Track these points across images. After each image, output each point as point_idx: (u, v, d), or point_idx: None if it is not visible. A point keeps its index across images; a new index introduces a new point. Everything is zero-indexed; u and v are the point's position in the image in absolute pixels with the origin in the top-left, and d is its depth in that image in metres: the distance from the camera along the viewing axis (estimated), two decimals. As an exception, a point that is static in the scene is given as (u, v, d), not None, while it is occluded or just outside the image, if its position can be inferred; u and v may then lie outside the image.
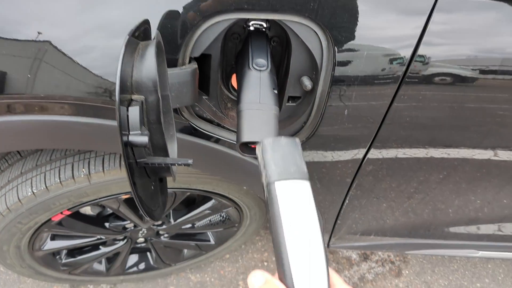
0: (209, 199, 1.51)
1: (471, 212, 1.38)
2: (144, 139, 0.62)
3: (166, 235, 1.70)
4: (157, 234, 1.68)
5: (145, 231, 1.61)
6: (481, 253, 1.64)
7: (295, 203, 0.54)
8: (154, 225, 1.57)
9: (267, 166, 0.58)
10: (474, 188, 1.25)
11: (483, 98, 0.94)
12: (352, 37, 0.82)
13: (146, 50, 0.66)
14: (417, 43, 0.84)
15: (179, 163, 0.67)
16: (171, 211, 1.58)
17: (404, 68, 0.86)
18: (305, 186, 0.56)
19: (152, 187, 0.74)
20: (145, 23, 0.71)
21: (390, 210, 1.34)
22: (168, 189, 1.28)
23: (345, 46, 0.83)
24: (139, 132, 0.63)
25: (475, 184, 1.23)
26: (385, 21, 0.82)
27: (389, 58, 0.86)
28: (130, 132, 0.63)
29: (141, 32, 0.69)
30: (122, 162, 1.15)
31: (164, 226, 1.60)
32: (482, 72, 0.88)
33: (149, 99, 0.66)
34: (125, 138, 0.61)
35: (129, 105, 0.63)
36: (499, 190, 1.28)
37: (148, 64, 0.64)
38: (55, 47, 0.80)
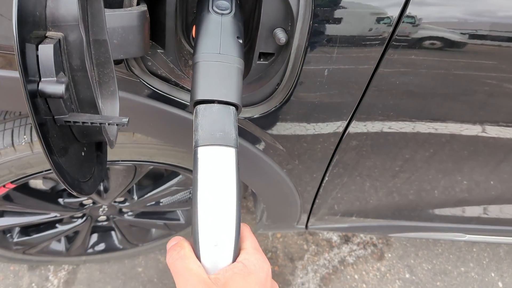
0: (177, 174, 1.37)
1: (458, 193, 1.27)
2: (60, 87, 0.48)
3: (130, 213, 1.56)
4: (120, 212, 1.54)
5: (106, 209, 1.46)
6: (468, 237, 1.55)
7: (215, 169, 0.56)
8: (115, 202, 1.43)
9: (195, 131, 0.59)
10: (460, 167, 1.13)
11: (474, 65, 0.81)
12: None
13: (66, -27, 0.50)
14: (406, 1, 0.71)
15: (111, 122, 0.53)
16: (134, 186, 1.43)
17: (391, 28, 0.73)
18: (230, 153, 0.58)
19: (83, 153, 0.60)
20: None
21: (373, 189, 1.22)
22: (124, 162, 1.14)
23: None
24: (54, 78, 0.48)
25: (462, 163, 1.11)
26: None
27: (376, 13, 0.72)
28: (42, 79, 0.48)
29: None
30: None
31: (127, 204, 1.46)
32: (473, 36, 0.75)
33: (70, 37, 0.51)
34: (32, 86, 0.47)
35: (40, 42, 0.48)
36: (487, 170, 1.17)
37: (67, -9, 0.49)
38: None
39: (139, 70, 0.79)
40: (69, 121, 0.52)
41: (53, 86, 0.48)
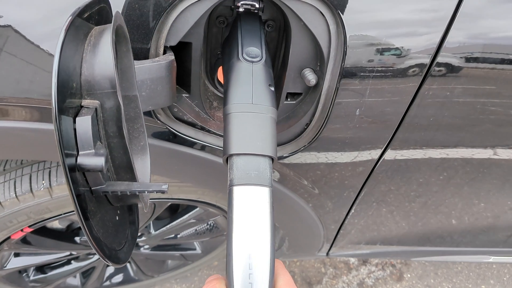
0: (194, 207, 1.34)
1: (487, 218, 1.24)
2: (100, 160, 0.45)
3: (146, 247, 1.52)
4: (137, 246, 1.50)
5: (123, 244, 1.43)
6: (493, 259, 1.51)
7: (250, 208, 0.56)
8: (132, 237, 1.39)
9: (230, 169, 0.59)
10: (496, 193, 1.10)
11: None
12: (367, 20, 0.66)
13: (100, 38, 0.48)
14: (446, 29, 0.68)
15: (150, 190, 0.50)
16: (151, 221, 1.40)
17: (429, 59, 0.70)
18: (264, 192, 0.57)
19: (117, 217, 0.57)
20: (100, 1, 0.53)
21: (400, 218, 1.19)
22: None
23: (359, 32, 0.66)
24: (93, 151, 0.45)
25: (497, 190, 1.08)
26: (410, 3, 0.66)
27: (410, 47, 0.69)
28: (80, 152, 0.45)
29: (94, 13, 0.51)
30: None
31: (143, 238, 1.42)
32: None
33: (107, 104, 0.48)
34: (71, 161, 0.44)
35: (77, 114, 0.45)
36: None
37: (103, 57, 0.47)
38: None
39: (165, 117, 0.76)
40: (107, 191, 0.49)
41: (91, 159, 0.45)
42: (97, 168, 0.45)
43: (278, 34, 0.78)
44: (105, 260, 0.49)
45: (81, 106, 0.47)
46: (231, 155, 0.60)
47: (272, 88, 0.65)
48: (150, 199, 1.11)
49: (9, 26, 0.62)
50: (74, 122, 0.45)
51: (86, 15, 0.48)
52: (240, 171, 0.58)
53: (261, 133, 0.61)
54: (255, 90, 0.63)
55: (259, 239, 0.54)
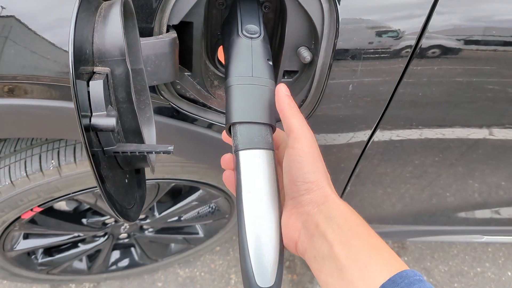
0: (196, 189, 1.39)
1: (476, 196, 1.28)
2: (111, 121, 0.49)
3: (150, 230, 1.57)
4: (141, 229, 1.55)
5: (128, 226, 1.48)
6: (486, 238, 1.56)
7: (257, 170, 0.60)
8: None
9: (234, 136, 0.64)
10: (490, 173, 1.15)
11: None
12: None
13: (110, 10, 0.52)
14: (430, 12, 0.73)
15: (158, 150, 0.55)
16: (155, 204, 1.45)
17: (414, 40, 0.75)
18: (269, 155, 0.62)
19: (126, 180, 0.62)
20: (109, -21, 0.57)
21: (394, 196, 1.23)
22: (148, 181, 1.15)
23: (351, 10, 0.71)
24: (105, 112, 0.50)
25: (492, 169, 1.13)
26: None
27: (399, 27, 0.74)
28: (93, 113, 0.50)
29: (103, -10, 0.55)
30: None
31: (148, 220, 1.47)
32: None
33: (116, 71, 0.53)
34: (86, 121, 0.48)
35: (90, 79, 0.50)
36: None
37: (112, 27, 0.51)
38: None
39: (168, 93, 0.81)
40: (118, 152, 0.54)
41: (104, 120, 0.49)
42: (109, 128, 0.50)
43: (274, 15, 0.83)
44: (116, 215, 0.54)
45: (93, 72, 0.51)
46: (234, 123, 0.64)
47: (270, 63, 0.70)
48: (154, 179, 1.16)
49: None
50: (88, 86, 0.49)
51: (95, -10, 0.52)
52: (244, 137, 0.63)
53: (261, 103, 0.66)
54: (254, 64, 0.68)
55: (267, 195, 0.59)
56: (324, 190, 0.55)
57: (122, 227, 1.47)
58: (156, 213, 1.46)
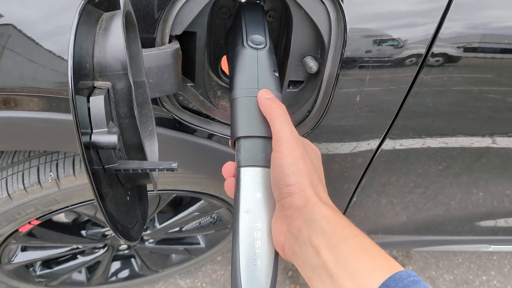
0: (198, 199, 1.36)
1: (482, 206, 1.26)
2: (113, 138, 0.47)
3: (151, 241, 1.54)
4: (141, 240, 1.52)
5: (128, 238, 1.45)
6: (493, 248, 1.53)
7: (256, 189, 0.59)
8: (137, 230, 1.41)
9: (237, 151, 0.62)
10: (494, 182, 1.12)
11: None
12: (368, 7, 0.68)
13: (111, 22, 0.50)
14: (441, 20, 0.70)
15: (161, 167, 0.52)
16: (155, 214, 1.42)
17: (425, 48, 0.72)
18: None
19: (128, 198, 0.59)
20: (110, -11, 0.55)
21: (400, 207, 1.21)
22: (148, 192, 1.13)
23: (359, 19, 0.69)
24: (105, 129, 0.47)
25: (496, 178, 1.10)
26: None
27: (409, 36, 0.72)
28: (94, 130, 0.47)
29: (104, 0, 0.53)
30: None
31: (148, 231, 1.45)
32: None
33: (118, 85, 0.50)
34: (85, 139, 0.46)
35: (90, 94, 0.48)
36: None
37: (114, 40, 0.49)
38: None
39: (170, 105, 0.78)
40: (119, 169, 0.51)
41: (105, 137, 0.47)
42: (110, 146, 0.47)
43: (279, 23, 0.81)
44: (118, 236, 0.51)
45: (94, 87, 0.49)
46: (239, 138, 0.62)
47: (277, 74, 0.68)
48: (155, 191, 1.13)
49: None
50: (88, 101, 0.47)
51: (96, 0, 0.50)
52: (247, 153, 0.61)
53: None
54: (260, 75, 0.66)
55: (265, 217, 0.58)
56: (305, 193, 0.53)
57: (122, 238, 1.44)
58: (157, 224, 1.43)
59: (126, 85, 0.50)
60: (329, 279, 0.46)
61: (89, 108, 0.47)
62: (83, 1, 0.46)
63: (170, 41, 0.70)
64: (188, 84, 0.80)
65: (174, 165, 0.53)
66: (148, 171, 0.53)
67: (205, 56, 0.77)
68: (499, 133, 0.94)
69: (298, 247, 0.51)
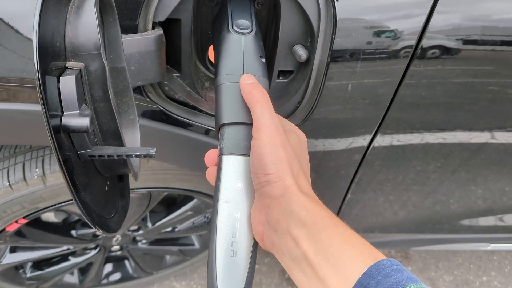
0: (191, 198, 1.33)
1: (480, 203, 1.23)
2: (85, 121, 0.45)
3: (144, 241, 1.51)
4: (134, 241, 1.49)
5: (120, 238, 1.42)
6: (492, 246, 1.50)
7: (237, 178, 0.56)
8: (129, 230, 1.39)
9: (220, 138, 0.60)
10: (493, 179, 1.10)
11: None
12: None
13: (84, 1, 0.48)
14: (430, 11, 0.68)
15: (138, 153, 0.50)
16: (147, 214, 1.39)
17: (415, 40, 0.70)
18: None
19: (107, 188, 0.57)
20: (86, -32, 0.53)
21: (396, 204, 1.18)
22: (138, 189, 1.10)
23: (348, 3, 0.66)
24: (77, 111, 0.45)
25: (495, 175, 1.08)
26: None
27: (399, 26, 0.69)
28: (64, 112, 0.45)
29: (79, -21, 0.51)
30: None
31: (141, 232, 1.42)
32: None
33: (92, 67, 0.48)
34: (55, 121, 0.43)
35: (61, 74, 0.45)
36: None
37: (86, 18, 0.47)
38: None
39: (155, 95, 0.76)
40: (94, 156, 0.49)
41: (77, 119, 0.45)
42: (82, 129, 0.45)
43: (268, 12, 0.78)
44: (93, 225, 0.49)
45: (66, 68, 0.46)
46: (223, 125, 0.60)
47: (263, 60, 0.65)
48: (145, 188, 1.11)
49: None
50: (58, 82, 0.44)
51: (69, -22, 0.48)
52: (230, 140, 0.58)
53: None
54: (246, 61, 0.63)
55: (244, 208, 0.55)
56: (284, 182, 0.51)
57: (114, 239, 1.42)
58: (149, 224, 1.40)
59: (100, 66, 0.47)
60: (310, 270, 0.45)
61: (59, 89, 0.44)
62: (52, -24, 0.44)
63: (153, 28, 0.68)
64: (174, 74, 0.77)
65: (152, 150, 0.50)
66: (125, 157, 0.50)
67: (191, 45, 0.75)
68: (498, 127, 0.92)
69: (277, 237, 0.49)
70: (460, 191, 1.16)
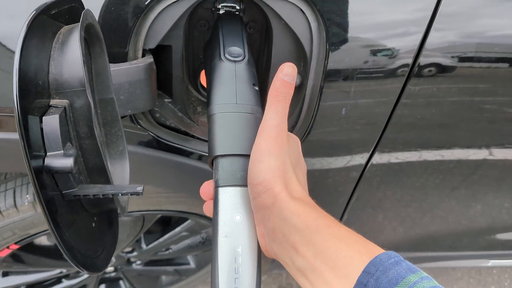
0: (186, 219, 1.31)
1: (480, 219, 1.22)
2: (68, 161, 0.43)
3: (138, 262, 1.49)
4: (128, 262, 1.47)
5: (114, 260, 1.40)
6: (492, 262, 1.48)
7: (235, 213, 0.54)
8: (123, 252, 1.36)
9: (215, 170, 0.57)
10: (492, 195, 1.08)
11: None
12: (350, 16, 0.65)
13: (69, 36, 0.46)
14: (427, 28, 0.67)
15: (124, 192, 0.48)
16: (142, 235, 1.37)
17: (412, 58, 0.69)
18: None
19: (94, 224, 0.55)
20: (72, 0, 0.52)
21: (394, 222, 1.16)
22: (132, 213, 1.08)
23: (341, 28, 0.65)
24: (61, 151, 0.43)
25: (494, 191, 1.06)
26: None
27: (395, 44, 0.68)
28: (47, 153, 0.43)
29: (63, 12, 0.50)
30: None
31: (135, 253, 1.39)
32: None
33: (77, 103, 0.46)
34: (37, 162, 0.42)
35: (44, 113, 0.44)
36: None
37: (71, 54, 0.45)
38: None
39: (146, 122, 0.74)
40: (79, 195, 0.47)
41: (60, 160, 0.43)
42: (66, 170, 0.43)
43: (260, 35, 0.77)
44: (78, 267, 0.47)
45: (50, 106, 0.45)
46: (216, 157, 0.58)
47: (256, 88, 0.64)
48: (138, 211, 1.09)
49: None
50: (41, 121, 0.43)
51: (53, 12, 0.46)
52: (226, 172, 0.56)
53: (246, 133, 0.59)
54: (238, 89, 0.61)
55: (245, 242, 0.53)
56: (273, 191, 0.49)
57: (108, 260, 1.39)
58: (143, 245, 1.38)
59: (85, 102, 0.46)
60: (312, 274, 0.45)
61: (42, 129, 0.43)
62: (34, 11, 0.42)
63: (143, 55, 0.67)
64: (166, 100, 0.76)
65: (139, 188, 0.48)
66: (111, 196, 0.48)
67: (182, 70, 0.74)
68: (496, 145, 0.91)
69: (277, 247, 0.49)
70: (459, 207, 1.14)
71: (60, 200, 0.46)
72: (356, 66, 0.69)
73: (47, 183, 0.44)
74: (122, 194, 0.48)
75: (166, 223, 1.43)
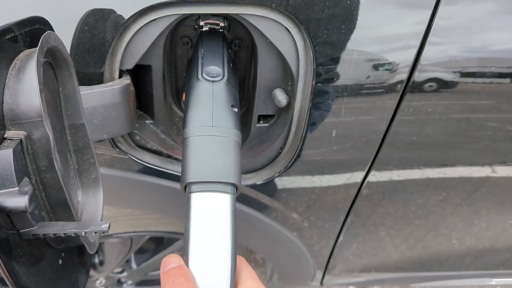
0: (176, 239, 1.27)
1: (483, 237, 1.17)
2: (22, 200, 0.39)
3: (129, 283, 1.44)
4: (119, 282, 1.43)
5: (104, 281, 1.35)
6: (495, 281, 1.44)
7: (209, 217, 0.51)
8: (113, 272, 1.32)
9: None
10: (496, 212, 1.04)
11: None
12: (337, 34, 0.61)
13: (27, 61, 0.43)
14: (422, 43, 0.64)
15: (88, 230, 0.44)
16: (132, 255, 1.33)
17: (406, 74, 0.65)
18: (225, 199, 0.52)
19: (61, 261, 0.51)
20: (34, 22, 0.48)
21: (392, 243, 1.12)
22: (119, 234, 1.04)
23: (328, 47, 0.62)
24: (16, 188, 0.39)
25: (497, 208, 1.02)
26: (381, 15, 0.61)
27: (386, 61, 0.65)
28: (0, 190, 0.39)
29: (25, 35, 0.46)
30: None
31: (125, 274, 1.35)
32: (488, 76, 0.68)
33: (34, 135, 0.43)
34: (-13, 201, 0.38)
35: (-3, 147, 0.40)
36: None
37: (27, 83, 0.41)
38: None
39: (126, 145, 0.71)
40: (38, 234, 0.43)
41: (14, 199, 0.39)
42: (20, 209, 0.39)
43: (246, 53, 0.74)
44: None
45: (4, 138, 0.41)
46: (189, 183, 0.54)
47: (236, 109, 0.60)
48: (125, 233, 1.05)
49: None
50: (-8, 156, 0.39)
51: (10, 35, 0.43)
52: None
53: (222, 158, 0.55)
54: (215, 111, 0.58)
55: (218, 250, 0.50)
56: None
57: (98, 281, 1.35)
58: (134, 265, 1.34)
59: (44, 134, 0.42)
60: None
61: (-7, 165, 0.39)
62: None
63: (120, 76, 0.63)
64: (147, 121, 0.72)
65: (105, 226, 0.44)
66: (73, 235, 0.44)
67: (164, 90, 0.70)
68: (498, 162, 0.87)
69: None
70: (463, 224, 1.10)
71: (18, 239, 0.42)
72: (348, 82, 0.65)
73: (0, 222, 0.40)
74: (85, 233, 0.44)
75: (159, 242, 1.38)
